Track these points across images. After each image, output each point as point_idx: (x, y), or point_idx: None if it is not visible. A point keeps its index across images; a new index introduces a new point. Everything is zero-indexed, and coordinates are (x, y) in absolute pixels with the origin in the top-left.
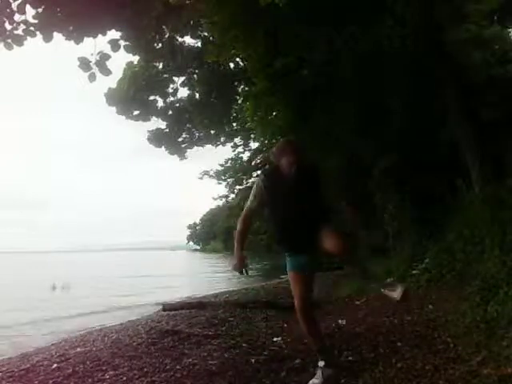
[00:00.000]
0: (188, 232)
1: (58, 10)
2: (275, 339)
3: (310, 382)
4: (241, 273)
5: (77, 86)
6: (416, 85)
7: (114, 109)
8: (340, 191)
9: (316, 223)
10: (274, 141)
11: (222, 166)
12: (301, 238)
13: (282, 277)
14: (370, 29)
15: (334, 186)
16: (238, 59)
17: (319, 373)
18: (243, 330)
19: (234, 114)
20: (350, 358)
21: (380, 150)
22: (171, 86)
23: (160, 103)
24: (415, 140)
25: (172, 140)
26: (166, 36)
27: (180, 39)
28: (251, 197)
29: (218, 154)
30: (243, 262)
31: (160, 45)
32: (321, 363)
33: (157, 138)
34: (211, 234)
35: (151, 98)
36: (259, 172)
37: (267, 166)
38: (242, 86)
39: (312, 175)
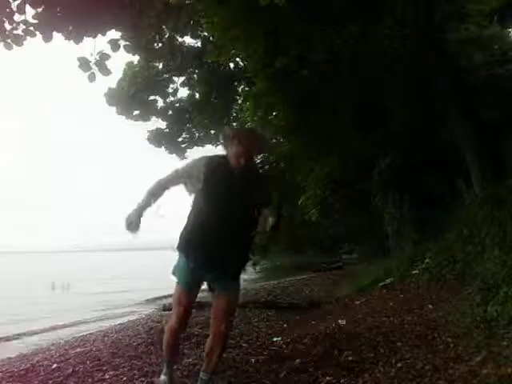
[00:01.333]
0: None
1: (58, 10)
2: (275, 339)
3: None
4: (132, 231)
5: (77, 86)
6: (416, 85)
7: (114, 109)
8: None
9: (239, 242)
10: (274, 141)
11: None
12: (215, 252)
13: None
14: (369, 29)
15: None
16: (238, 59)
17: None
18: (243, 330)
19: (234, 114)
20: (350, 358)
21: (380, 150)
22: (171, 86)
23: (160, 103)
24: (415, 140)
25: (172, 140)
26: (166, 36)
27: (180, 39)
28: (185, 169)
29: None
30: (138, 222)
31: (160, 45)
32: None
33: (157, 138)
34: None
35: (151, 98)
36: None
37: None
38: (242, 86)
39: (255, 178)
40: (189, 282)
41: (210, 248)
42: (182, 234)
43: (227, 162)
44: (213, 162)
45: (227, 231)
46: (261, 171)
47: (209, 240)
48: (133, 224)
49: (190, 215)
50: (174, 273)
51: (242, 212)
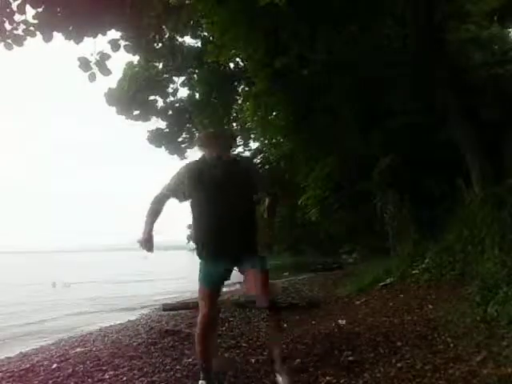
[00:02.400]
0: (188, 232)
1: (58, 9)
2: None
3: None
4: (148, 250)
5: (77, 86)
6: (416, 85)
7: (114, 109)
8: (339, 190)
9: (244, 225)
10: (274, 141)
11: None
12: (225, 242)
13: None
14: (369, 29)
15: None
16: (238, 59)
17: None
18: (243, 330)
19: (234, 114)
20: (350, 358)
21: (380, 150)
22: (171, 85)
23: (160, 103)
24: (415, 140)
25: (172, 140)
26: (166, 36)
27: (180, 39)
28: (169, 185)
29: None
30: (151, 240)
31: (160, 45)
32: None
33: (157, 138)
34: None
35: (151, 97)
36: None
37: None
38: (241, 86)
39: (241, 170)
40: (210, 281)
41: (220, 242)
42: (196, 242)
43: (205, 163)
44: (190, 170)
45: (227, 221)
46: (250, 163)
47: (216, 236)
48: (148, 245)
49: (193, 222)
50: (199, 280)
51: (236, 201)
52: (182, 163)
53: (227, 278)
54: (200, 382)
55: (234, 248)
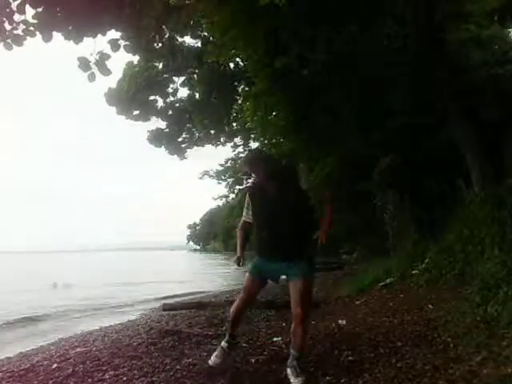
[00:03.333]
0: (188, 232)
1: (58, 9)
2: (275, 339)
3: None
4: (238, 265)
5: (77, 86)
6: (416, 85)
7: (114, 109)
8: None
9: (295, 235)
10: (274, 141)
11: (222, 166)
12: (283, 247)
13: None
14: (369, 29)
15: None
16: (238, 59)
17: (220, 352)
18: (243, 330)
19: (234, 114)
20: (350, 358)
21: (380, 150)
22: (171, 85)
23: (160, 103)
24: (415, 140)
25: (172, 140)
26: (166, 36)
27: (180, 39)
28: (244, 209)
29: (217, 154)
30: (241, 259)
31: (160, 45)
32: (224, 344)
33: (157, 138)
34: (211, 233)
35: (151, 97)
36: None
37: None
38: (242, 86)
39: (287, 180)
40: (258, 271)
41: (271, 246)
42: (255, 244)
43: (256, 185)
44: (249, 190)
45: (277, 230)
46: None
47: (268, 241)
48: (239, 262)
49: (254, 230)
50: (248, 270)
51: (285, 212)
52: (182, 163)
53: (272, 276)
54: (223, 342)
55: (283, 253)
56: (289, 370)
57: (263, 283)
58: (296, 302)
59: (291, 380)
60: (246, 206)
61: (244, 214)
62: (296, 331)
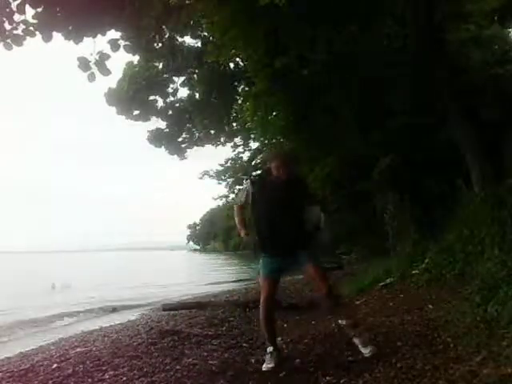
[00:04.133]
0: (188, 232)
1: (58, 9)
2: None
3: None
4: (253, 248)
5: (77, 86)
6: (416, 85)
7: (114, 109)
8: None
9: (295, 231)
10: (273, 141)
11: (222, 166)
12: (281, 242)
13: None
14: (369, 29)
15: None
16: (238, 59)
17: (269, 356)
18: (243, 330)
19: (234, 114)
20: (350, 358)
21: (380, 150)
22: (171, 85)
23: (160, 103)
24: (415, 140)
25: (172, 140)
26: (166, 36)
27: (180, 39)
28: (240, 196)
29: (217, 154)
30: (250, 237)
31: (160, 45)
32: (270, 349)
33: (157, 138)
34: (211, 233)
35: (151, 97)
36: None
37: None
38: (242, 86)
39: (299, 189)
40: (269, 270)
41: (273, 240)
42: (257, 242)
43: (267, 178)
44: (254, 181)
45: (279, 225)
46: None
47: (270, 235)
48: (250, 241)
49: (254, 226)
50: (258, 273)
51: (286, 209)
52: (182, 163)
53: (283, 270)
54: (268, 348)
55: (286, 246)
56: (356, 341)
57: (278, 280)
58: (318, 283)
59: (362, 350)
60: (243, 192)
61: (239, 198)
62: (333, 309)
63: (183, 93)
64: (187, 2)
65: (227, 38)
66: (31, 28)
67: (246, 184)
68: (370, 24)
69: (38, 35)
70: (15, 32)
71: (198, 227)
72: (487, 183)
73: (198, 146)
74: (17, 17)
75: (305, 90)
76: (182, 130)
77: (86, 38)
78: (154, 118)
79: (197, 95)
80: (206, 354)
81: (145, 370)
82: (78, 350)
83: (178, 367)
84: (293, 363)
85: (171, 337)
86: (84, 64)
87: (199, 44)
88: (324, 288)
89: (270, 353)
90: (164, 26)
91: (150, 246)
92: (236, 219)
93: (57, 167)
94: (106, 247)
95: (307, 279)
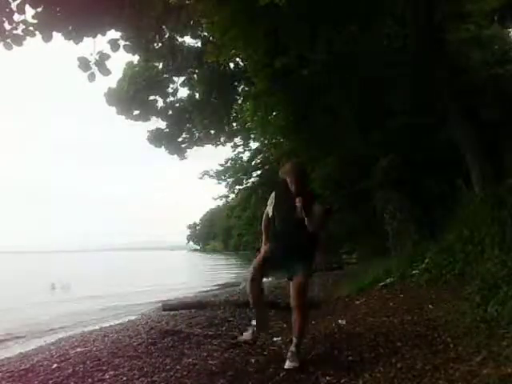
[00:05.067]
0: (188, 232)
1: (58, 9)
2: (275, 339)
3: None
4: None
5: (77, 86)
6: (416, 85)
7: (114, 109)
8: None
9: (304, 238)
10: (274, 141)
11: (222, 166)
12: (291, 248)
13: None
14: (369, 29)
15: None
16: (238, 59)
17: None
18: (243, 330)
19: (234, 114)
20: (350, 358)
21: (380, 150)
22: (171, 85)
23: (160, 103)
24: (415, 140)
25: (172, 140)
26: (166, 36)
27: (180, 39)
28: (268, 206)
29: (217, 154)
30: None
31: (160, 45)
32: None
33: (157, 138)
34: (211, 233)
35: (151, 97)
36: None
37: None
38: (241, 86)
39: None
40: (269, 256)
41: (279, 246)
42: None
43: (283, 187)
44: (276, 190)
45: (286, 233)
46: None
47: (278, 241)
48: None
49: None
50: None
51: (296, 219)
52: (182, 163)
53: (276, 264)
54: (253, 321)
55: (284, 255)
56: (289, 354)
57: (271, 261)
58: (294, 296)
59: (286, 363)
60: (270, 202)
61: (267, 210)
62: (296, 320)
63: (183, 93)
64: (187, 2)
65: (227, 38)
66: (31, 28)
67: (272, 195)
68: (369, 24)
69: (38, 35)
70: (15, 32)
71: (197, 227)
72: (487, 183)
73: (198, 145)
74: (17, 17)
75: (305, 90)
76: (182, 130)
77: (86, 38)
78: (153, 118)
79: (197, 95)
80: (205, 354)
81: (145, 370)
82: (78, 349)
83: (178, 367)
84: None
85: (171, 337)
86: (84, 64)
87: (199, 44)
88: (296, 302)
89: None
90: (164, 26)
91: (150, 246)
92: (263, 236)
93: (57, 167)
94: (105, 247)
95: (289, 287)
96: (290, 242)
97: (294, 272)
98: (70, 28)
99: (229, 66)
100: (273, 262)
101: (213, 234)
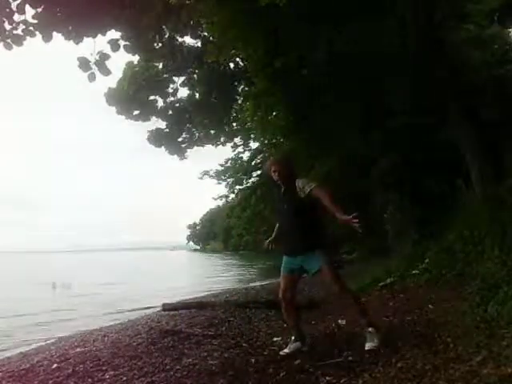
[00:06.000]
0: (188, 232)
1: (58, 9)
2: (275, 339)
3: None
4: (268, 247)
5: (77, 86)
6: (416, 85)
7: (114, 109)
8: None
9: (304, 230)
10: (274, 141)
11: (222, 166)
12: (289, 244)
13: None
14: (370, 28)
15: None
16: (238, 59)
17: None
18: (243, 330)
19: (234, 114)
20: (350, 358)
21: (380, 150)
22: (171, 86)
23: (160, 103)
24: (415, 140)
25: (172, 140)
26: (166, 36)
27: (180, 39)
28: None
29: (217, 154)
30: (271, 244)
31: (160, 45)
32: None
33: (157, 138)
34: (211, 234)
35: (151, 97)
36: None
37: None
38: (241, 86)
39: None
40: (284, 268)
41: (284, 242)
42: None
43: (277, 189)
44: (275, 188)
45: (289, 228)
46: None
47: (282, 238)
48: (271, 245)
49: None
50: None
51: (291, 214)
52: (182, 163)
53: (295, 269)
54: (293, 340)
55: (293, 248)
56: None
57: (295, 277)
58: (329, 284)
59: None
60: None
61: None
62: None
63: (183, 93)
64: (187, 2)
65: (227, 38)
66: (31, 28)
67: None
68: (370, 24)
69: (38, 35)
70: (15, 32)
71: (197, 227)
72: (487, 183)
73: (198, 146)
74: (17, 17)
75: (305, 90)
76: (182, 130)
77: (86, 38)
78: (153, 118)
79: (197, 95)
80: (205, 354)
81: (145, 370)
82: (78, 349)
83: (178, 367)
84: (293, 363)
85: (171, 337)
86: (84, 64)
87: (199, 44)
88: (336, 288)
89: (291, 341)
90: (164, 26)
91: (150, 246)
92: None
93: (57, 167)
94: (105, 247)
95: (321, 279)
96: (291, 236)
97: (314, 267)
98: (70, 28)
99: (229, 66)
100: (292, 275)
101: (213, 234)
